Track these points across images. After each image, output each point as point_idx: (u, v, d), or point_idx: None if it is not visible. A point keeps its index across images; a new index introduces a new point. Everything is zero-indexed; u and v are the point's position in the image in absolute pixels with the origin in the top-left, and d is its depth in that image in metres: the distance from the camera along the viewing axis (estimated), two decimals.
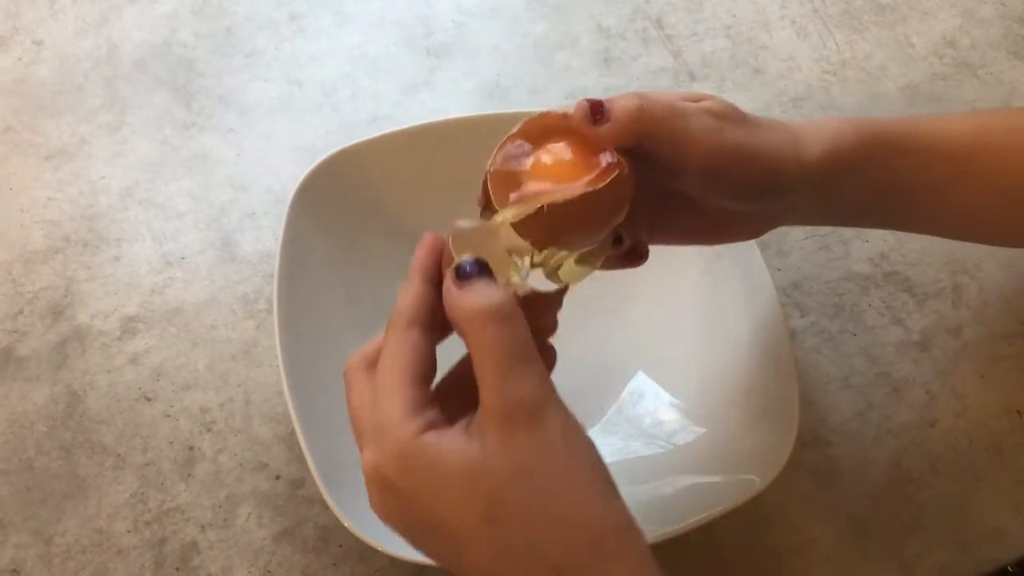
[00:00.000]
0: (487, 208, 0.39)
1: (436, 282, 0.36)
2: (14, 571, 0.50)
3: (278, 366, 0.49)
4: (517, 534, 0.31)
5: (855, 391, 0.58)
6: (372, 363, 0.36)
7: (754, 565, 0.53)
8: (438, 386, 0.37)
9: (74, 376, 0.55)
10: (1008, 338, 0.60)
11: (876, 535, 0.54)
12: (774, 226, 0.46)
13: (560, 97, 0.68)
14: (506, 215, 0.36)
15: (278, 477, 0.53)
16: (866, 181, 0.44)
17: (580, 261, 0.40)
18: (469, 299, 0.33)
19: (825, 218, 0.48)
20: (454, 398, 0.35)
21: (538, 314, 0.36)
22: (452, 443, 0.32)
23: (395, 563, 0.45)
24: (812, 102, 0.70)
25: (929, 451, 0.57)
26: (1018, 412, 0.58)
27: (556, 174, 0.38)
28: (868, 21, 0.74)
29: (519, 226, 0.36)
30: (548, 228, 0.36)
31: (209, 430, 0.54)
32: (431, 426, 0.33)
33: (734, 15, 0.73)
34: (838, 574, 0.53)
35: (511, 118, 0.56)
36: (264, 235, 0.61)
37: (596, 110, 0.37)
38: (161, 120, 0.65)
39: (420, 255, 0.37)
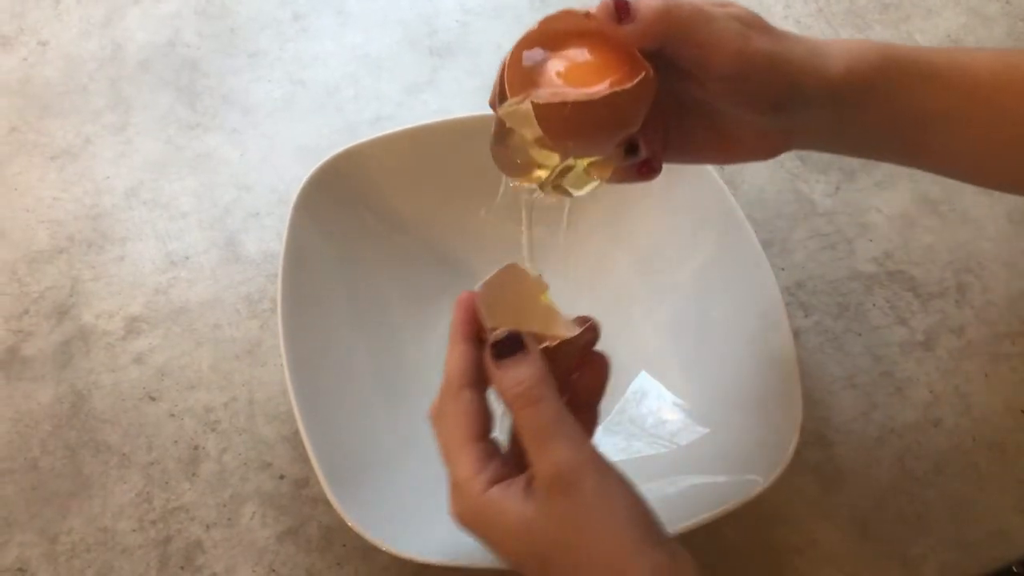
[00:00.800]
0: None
1: (475, 339, 0.39)
2: (20, 569, 0.50)
3: (282, 366, 0.49)
4: None
5: (859, 391, 0.58)
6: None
7: (757, 564, 0.53)
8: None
9: (79, 376, 0.55)
10: (1012, 337, 0.60)
11: (879, 535, 0.54)
12: (788, 147, 0.44)
13: None
14: (529, 103, 0.36)
15: (282, 476, 0.53)
16: (885, 104, 0.43)
17: (590, 169, 0.40)
18: (505, 383, 0.37)
19: (839, 142, 0.46)
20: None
21: (576, 345, 0.39)
22: (512, 501, 0.36)
23: (399, 562, 0.45)
24: None
25: (933, 451, 0.57)
26: (1022, 411, 0.58)
27: (578, 77, 0.37)
28: (872, 19, 0.74)
29: (541, 120, 0.36)
30: (570, 127, 0.36)
31: (213, 430, 0.54)
32: (495, 480, 0.36)
33: None
34: (841, 574, 0.53)
35: None
36: (268, 235, 0.61)
37: (621, 8, 0.37)
38: (165, 120, 0.65)
39: (457, 316, 0.39)
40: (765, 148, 0.44)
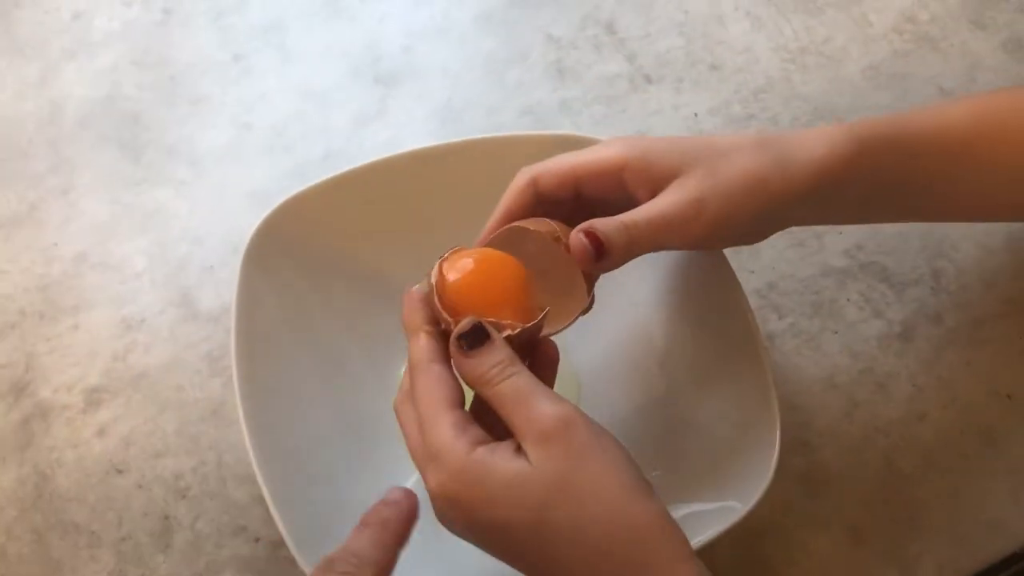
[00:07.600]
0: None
1: (432, 324, 0.40)
2: None
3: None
4: (562, 535, 0.35)
5: (840, 391, 0.57)
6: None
7: None
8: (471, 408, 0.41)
9: (41, 455, 0.54)
10: (991, 321, 0.59)
11: (873, 538, 0.53)
12: (776, 230, 0.47)
13: (515, 114, 0.67)
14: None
15: (257, 540, 0.52)
16: (865, 186, 0.44)
17: None
18: (475, 367, 0.38)
19: (827, 220, 0.50)
20: (487, 416, 0.39)
21: (533, 332, 0.40)
22: (502, 459, 0.36)
23: None
24: (773, 93, 0.68)
25: (920, 445, 0.55)
26: (1008, 396, 0.57)
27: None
28: (824, 3, 0.72)
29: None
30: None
31: (184, 497, 0.53)
32: (479, 442, 0.37)
33: (686, 11, 0.72)
34: None
35: (463, 147, 0.56)
36: (224, 288, 0.59)
37: (599, 250, 0.40)
38: (110, 178, 0.64)
39: (406, 311, 0.41)
40: (752, 240, 0.48)
